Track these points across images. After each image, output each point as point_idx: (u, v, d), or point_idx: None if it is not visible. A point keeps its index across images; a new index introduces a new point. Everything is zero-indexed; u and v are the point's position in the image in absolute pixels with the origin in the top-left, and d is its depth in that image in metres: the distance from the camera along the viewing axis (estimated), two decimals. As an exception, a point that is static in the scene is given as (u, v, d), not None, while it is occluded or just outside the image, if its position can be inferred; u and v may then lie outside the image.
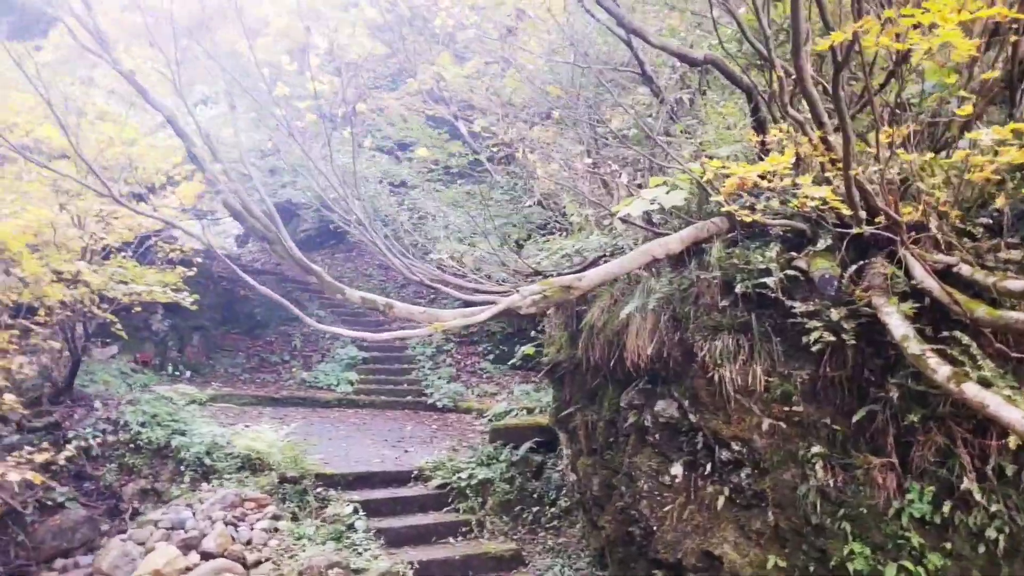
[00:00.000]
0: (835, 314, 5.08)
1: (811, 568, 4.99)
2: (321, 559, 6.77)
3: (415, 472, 9.06)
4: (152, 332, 15.94)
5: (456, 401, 14.23)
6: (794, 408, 5.19)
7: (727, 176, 4.50)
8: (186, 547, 6.85)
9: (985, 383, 4.11)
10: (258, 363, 16.98)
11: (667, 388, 6.17)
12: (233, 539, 7.03)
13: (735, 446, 5.48)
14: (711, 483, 5.73)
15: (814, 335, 5.10)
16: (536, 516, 8.67)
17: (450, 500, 8.68)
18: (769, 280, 5.38)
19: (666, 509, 6.02)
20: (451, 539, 8.07)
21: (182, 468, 9.12)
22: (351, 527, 7.58)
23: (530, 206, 11.58)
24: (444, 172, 15.32)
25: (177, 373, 15.42)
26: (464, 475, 8.88)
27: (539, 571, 7.75)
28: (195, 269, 11.11)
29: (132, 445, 10.06)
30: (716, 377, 5.50)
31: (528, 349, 8.59)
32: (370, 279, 19.92)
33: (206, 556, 6.81)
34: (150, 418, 10.29)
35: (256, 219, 4.96)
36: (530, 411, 10.16)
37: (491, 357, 16.23)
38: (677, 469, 6.03)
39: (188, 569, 6.63)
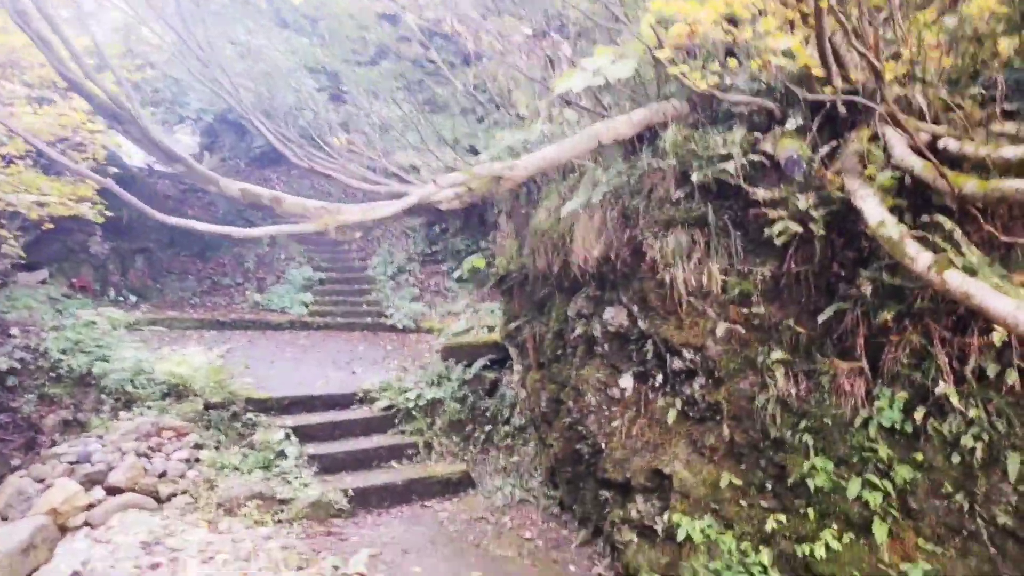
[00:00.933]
0: (803, 201, 4.41)
1: (768, 485, 4.47)
2: (242, 489, 6.21)
3: (360, 394, 8.47)
4: (90, 255, 15.02)
5: (417, 321, 13.60)
6: (753, 310, 4.56)
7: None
8: (91, 482, 6.25)
9: (970, 271, 3.48)
10: (210, 286, 16.16)
11: (616, 294, 5.53)
12: (145, 471, 6.43)
13: (687, 354, 4.87)
14: (662, 396, 5.17)
15: (778, 226, 4.44)
16: (489, 435, 8.17)
17: (396, 422, 8.14)
18: (729, 166, 4.68)
19: (614, 425, 5.47)
20: (395, 463, 7.56)
21: (103, 396, 8.45)
22: (281, 454, 7.01)
23: (483, 113, 10.67)
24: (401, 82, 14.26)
25: (121, 298, 14.61)
26: (412, 395, 8.31)
27: (489, 492, 7.28)
28: (109, 179, 10.13)
29: (53, 374, 9.36)
30: (667, 278, 4.85)
31: (476, 260, 7.91)
32: (329, 196, 18.92)
33: (113, 491, 6.21)
34: (73, 345, 9.55)
35: (102, 92, 4.11)
36: (491, 329, 9.55)
37: (456, 276, 15.54)
38: (626, 381, 5.46)
39: (91, 506, 6.03)
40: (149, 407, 7.83)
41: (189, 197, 18.27)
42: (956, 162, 3.88)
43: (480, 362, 8.61)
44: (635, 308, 5.27)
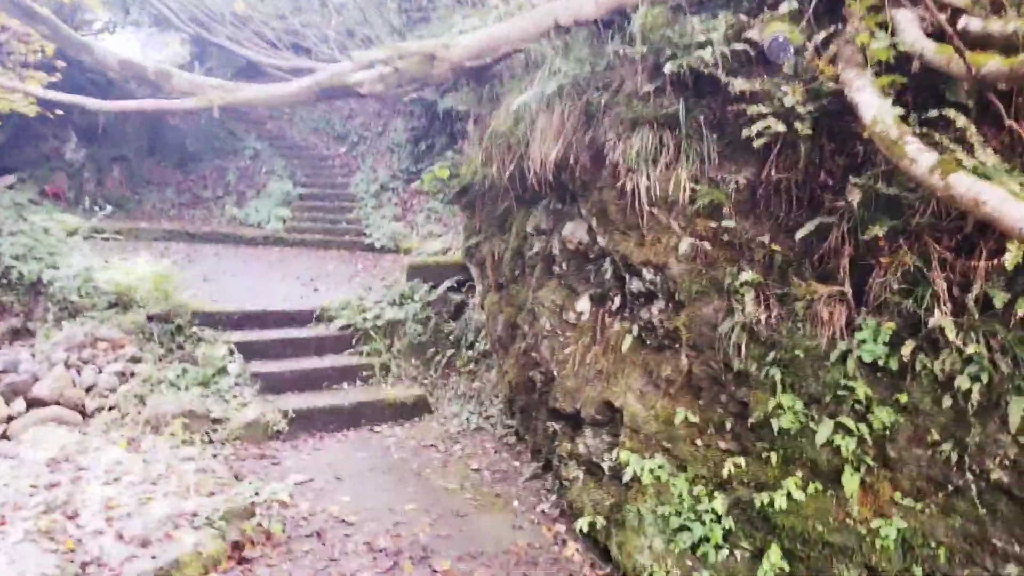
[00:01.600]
0: (790, 95, 3.71)
1: (728, 424, 3.92)
2: (171, 406, 5.73)
3: (318, 312, 7.94)
4: (65, 162, 14.38)
5: (397, 242, 12.98)
6: (724, 223, 3.92)
7: None
8: (13, 393, 5.79)
9: (982, 176, 2.82)
10: (190, 199, 15.54)
11: (575, 207, 4.88)
12: (73, 384, 5.96)
13: (647, 274, 4.26)
14: (619, 321, 4.59)
15: (759, 125, 3.75)
16: (451, 360, 7.67)
17: (354, 343, 7.62)
18: (707, 54, 3.96)
19: (567, 352, 4.91)
20: (347, 385, 7.07)
21: (49, 305, 7.95)
22: (223, 371, 6.52)
23: None
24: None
25: (96, 208, 13.91)
26: (371, 315, 7.77)
27: (445, 419, 6.82)
28: (59, 75, 9.39)
29: (4, 280, 8.87)
30: (630, 186, 4.20)
31: (439, 170, 7.22)
32: (314, 108, 18.04)
33: (36, 403, 5.76)
34: (27, 251, 9.03)
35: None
36: (466, 249, 8.97)
37: (441, 196, 14.83)
38: (583, 304, 4.87)
39: (11, 419, 5.59)
40: (92, 317, 7.33)
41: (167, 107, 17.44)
42: (978, 45, 3.17)
43: (447, 283, 8.04)
44: (594, 222, 4.63)
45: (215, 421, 5.87)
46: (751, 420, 3.75)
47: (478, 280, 6.75)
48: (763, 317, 3.77)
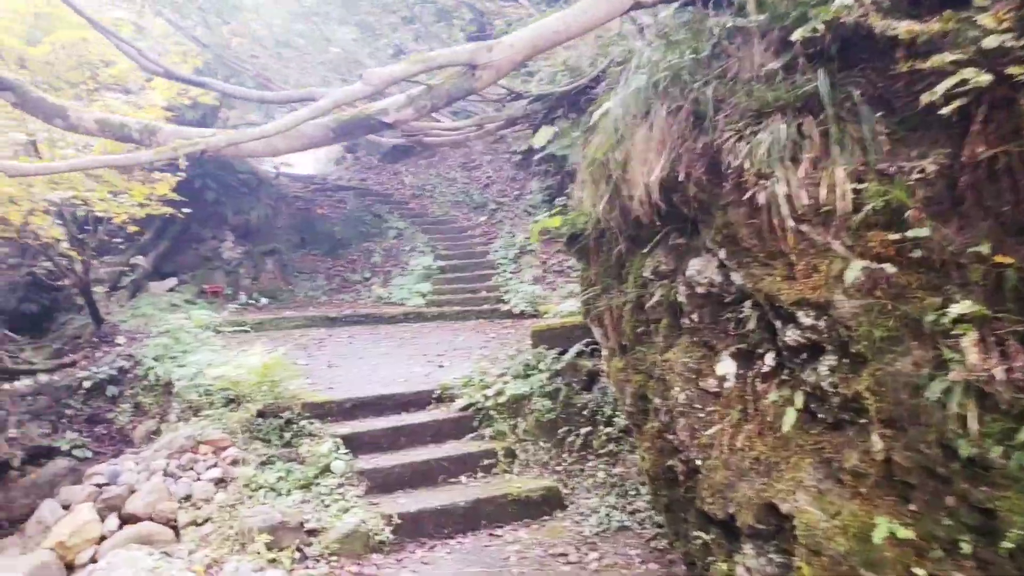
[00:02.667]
0: (994, 31, 2.42)
1: (963, 545, 2.50)
2: (261, 518, 5.06)
3: (438, 391, 7.16)
4: (223, 261, 15.06)
5: (535, 304, 12.15)
6: (911, 233, 2.61)
7: None
8: (108, 508, 5.42)
9: None
10: (339, 284, 15.73)
11: (698, 238, 3.72)
12: (169, 494, 5.51)
13: (805, 318, 2.99)
14: (775, 387, 3.31)
15: (947, 83, 2.48)
16: (587, 440, 6.52)
17: (476, 425, 6.72)
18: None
19: (710, 433, 3.67)
20: (465, 477, 6.13)
21: (175, 405, 7.81)
22: (326, 470, 5.84)
23: None
24: None
25: (252, 301, 14.47)
26: (493, 391, 6.86)
27: (580, 516, 5.66)
28: (183, 174, 9.56)
29: (146, 382, 8.97)
30: (763, 198, 3.00)
31: (547, 220, 6.28)
32: (453, 183, 18.01)
33: (129, 519, 5.34)
34: (163, 350, 9.11)
35: None
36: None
37: (565, 248, 13.90)
38: (725, 366, 3.64)
39: (102, 538, 5.18)
40: (209, 416, 7.02)
41: (318, 197, 18.08)
42: None
43: (575, 348, 6.98)
44: (723, 254, 3.44)
45: (310, 533, 5.13)
46: (1004, 539, 2.34)
47: (601, 342, 5.64)
48: (998, 370, 2.39)
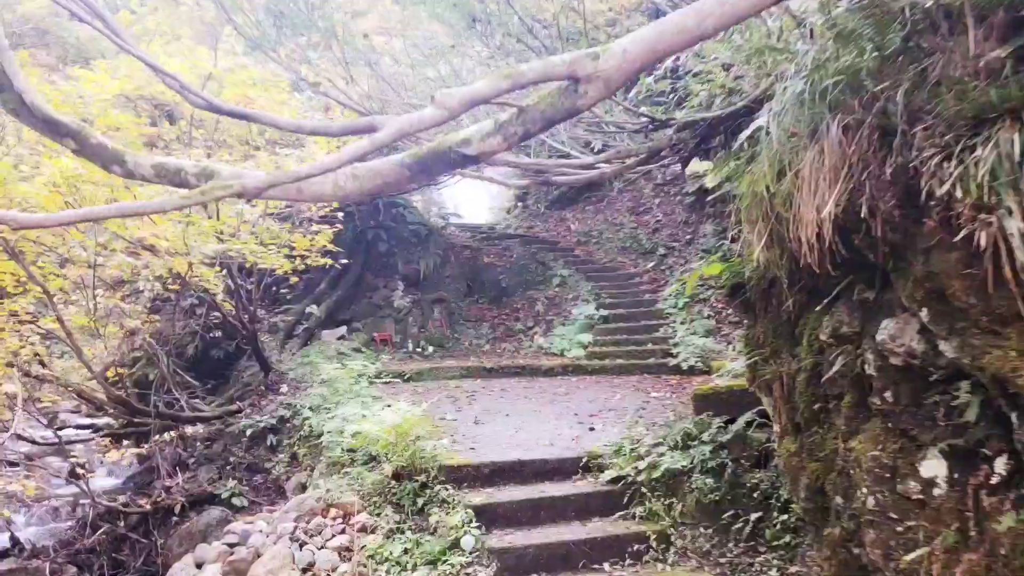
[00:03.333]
0: None
1: None
2: (376, 600, 4.61)
3: (585, 459, 6.44)
4: (393, 309, 15.41)
5: (706, 359, 11.09)
6: None
7: None
8: (234, 572, 5.23)
9: None
10: (503, 333, 15.54)
11: (891, 292, 2.80)
12: (293, 562, 5.22)
13: (1063, 417, 2.00)
14: (1010, 503, 2.31)
15: None
16: (757, 528, 5.48)
17: (626, 502, 5.91)
18: None
19: (913, 557, 2.68)
20: (607, 565, 5.32)
21: (322, 459, 7.71)
22: (456, 545, 5.29)
23: None
24: None
25: (419, 350, 14.62)
26: (647, 463, 6.02)
27: (748, 626, 4.67)
28: (339, 226, 9.68)
29: (301, 433, 9.03)
30: (983, 237, 2.09)
31: (708, 267, 5.43)
32: (620, 228, 17.34)
33: (252, 585, 5.11)
34: (320, 400, 9.17)
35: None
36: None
37: (725, 300, 12.62)
38: (933, 467, 2.70)
39: (223, 605, 4.98)
40: (348, 473, 6.80)
41: (486, 246, 18.17)
42: None
43: (745, 416, 5.98)
44: (925, 314, 2.50)
45: (428, 621, 4.59)
46: None
47: (771, 415, 4.68)
48: None
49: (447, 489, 6.00)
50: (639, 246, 16.37)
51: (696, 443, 6.10)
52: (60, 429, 13.25)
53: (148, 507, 7.12)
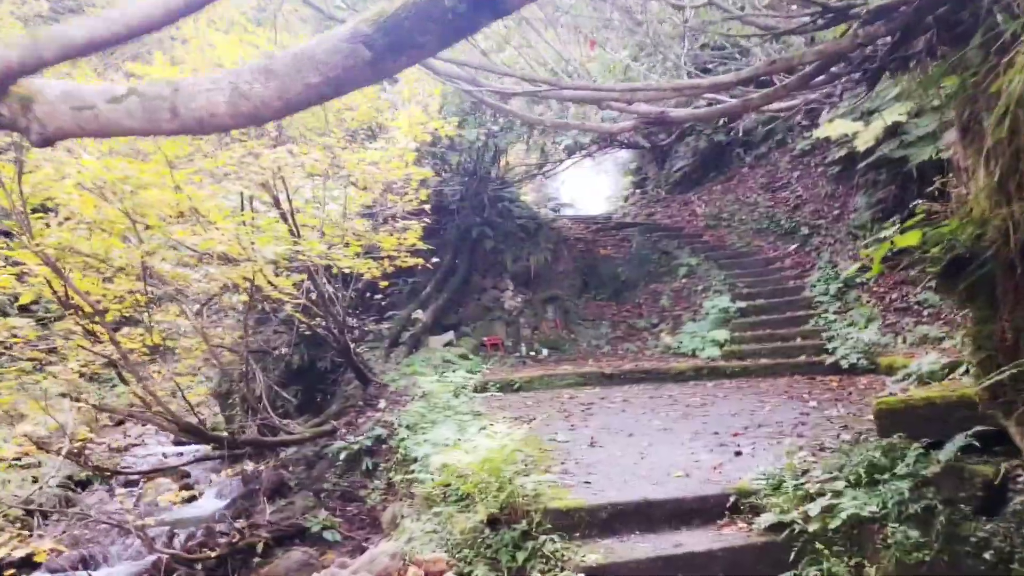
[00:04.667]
0: None
1: None
2: None
3: (733, 496, 4.97)
4: (504, 311, 14.34)
5: (871, 356, 9.22)
6: None
7: None
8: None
9: None
10: (624, 331, 14.11)
11: None
12: (358, 639, 4.14)
13: None
14: None
15: None
16: (993, 607, 3.84)
17: (792, 558, 4.40)
18: None
19: None
20: (775, 658, 3.87)
21: (415, 491, 6.63)
22: (560, 624, 4.02)
23: None
24: None
25: (532, 353, 13.48)
26: (818, 506, 4.48)
27: None
28: (427, 220, 8.59)
29: (397, 456, 8.03)
30: None
31: (902, 237, 3.84)
32: (754, 208, 15.41)
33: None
34: (419, 418, 8.13)
35: None
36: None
37: (935, 283, 10.48)
38: None
39: None
40: (438, 514, 5.68)
41: (601, 237, 16.76)
42: None
43: (957, 440, 4.31)
44: None
45: None
46: None
47: (1018, 437, 3.07)
48: None
49: (554, 541, 4.71)
50: (777, 227, 14.42)
51: (887, 477, 4.49)
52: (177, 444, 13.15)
53: (216, 553, 6.27)
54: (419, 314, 12.98)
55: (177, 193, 5.70)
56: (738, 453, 5.93)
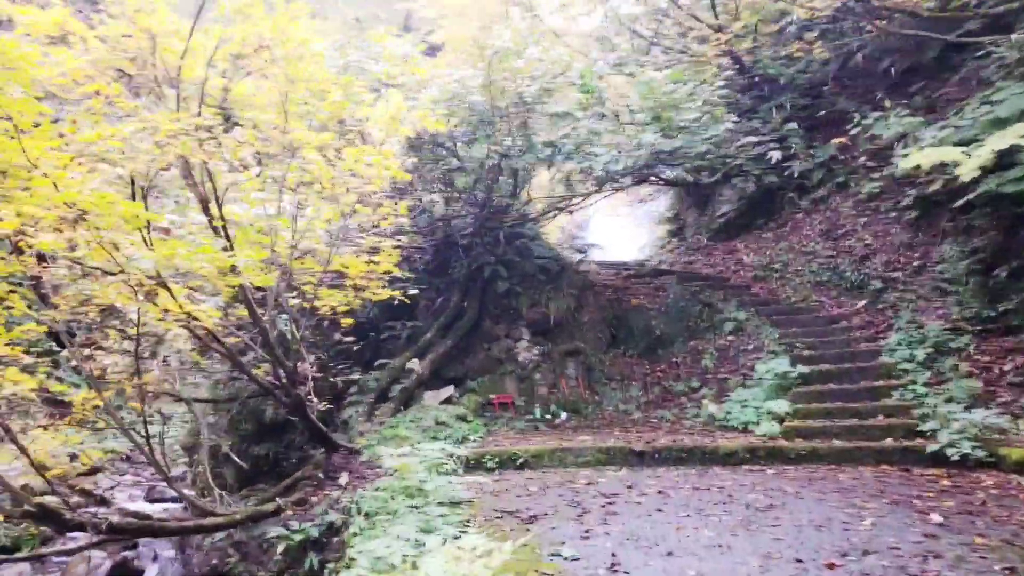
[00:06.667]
0: None
1: None
2: None
3: None
4: (517, 364, 12.31)
5: (989, 444, 6.98)
6: None
7: None
8: None
9: None
10: (659, 395, 11.97)
11: None
12: None
13: None
14: None
15: None
16: None
17: None
18: None
19: None
20: None
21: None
22: None
23: None
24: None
25: (548, 416, 11.41)
26: None
27: None
28: (402, 240, 6.66)
29: (347, 559, 5.96)
30: None
31: None
32: (812, 258, 13.28)
33: None
34: (382, 504, 6.07)
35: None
36: None
37: None
38: None
39: None
40: None
41: (633, 285, 14.71)
42: None
43: None
44: None
45: None
46: None
47: None
48: None
49: None
50: (841, 280, 12.27)
51: None
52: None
53: None
54: (414, 364, 10.99)
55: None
56: (843, 604, 3.76)
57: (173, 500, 11.12)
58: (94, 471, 14.14)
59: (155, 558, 9.37)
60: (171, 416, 14.84)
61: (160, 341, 7.25)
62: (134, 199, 4.60)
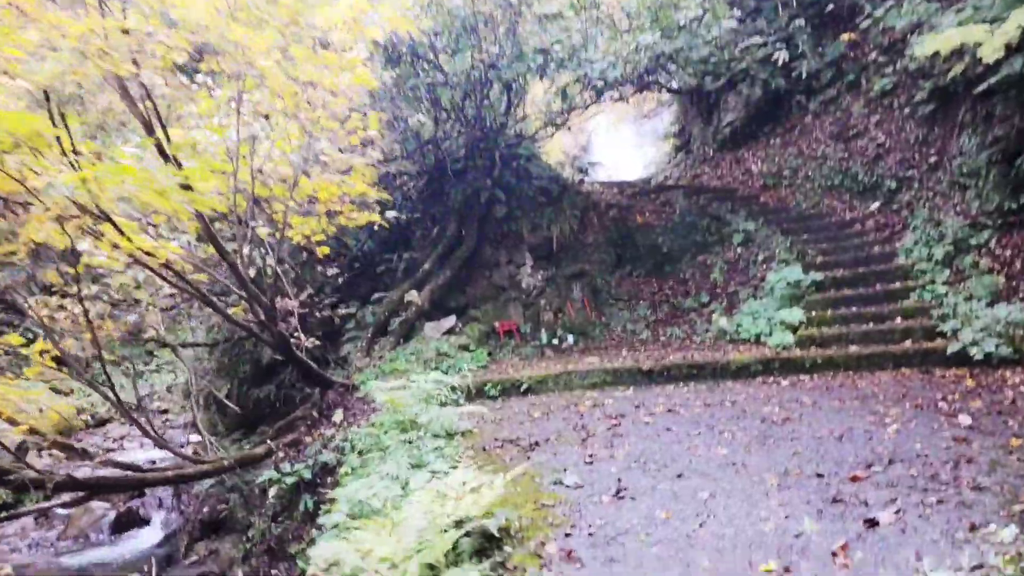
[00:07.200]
0: None
1: None
2: None
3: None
4: (521, 290, 11.94)
5: (1014, 341, 6.58)
6: None
7: None
8: None
9: None
10: (667, 312, 11.59)
11: None
12: None
13: None
14: None
15: None
16: None
17: None
18: None
19: None
20: None
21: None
22: None
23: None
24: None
25: (555, 341, 11.07)
26: None
27: None
28: (377, 157, 6.16)
29: (334, 498, 5.69)
30: None
31: None
32: (823, 162, 12.64)
33: None
34: (375, 441, 5.78)
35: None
36: None
37: None
38: None
39: None
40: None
41: (638, 203, 14.17)
42: None
43: None
44: None
45: None
46: None
47: None
48: None
49: None
50: (854, 183, 11.67)
51: None
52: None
53: None
54: (413, 296, 10.63)
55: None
56: (871, 522, 3.42)
57: (183, 446, 11.00)
58: (103, 423, 14.10)
59: (160, 505, 9.29)
60: (167, 364, 14.67)
61: (138, 286, 6.87)
62: (53, 120, 4.12)
